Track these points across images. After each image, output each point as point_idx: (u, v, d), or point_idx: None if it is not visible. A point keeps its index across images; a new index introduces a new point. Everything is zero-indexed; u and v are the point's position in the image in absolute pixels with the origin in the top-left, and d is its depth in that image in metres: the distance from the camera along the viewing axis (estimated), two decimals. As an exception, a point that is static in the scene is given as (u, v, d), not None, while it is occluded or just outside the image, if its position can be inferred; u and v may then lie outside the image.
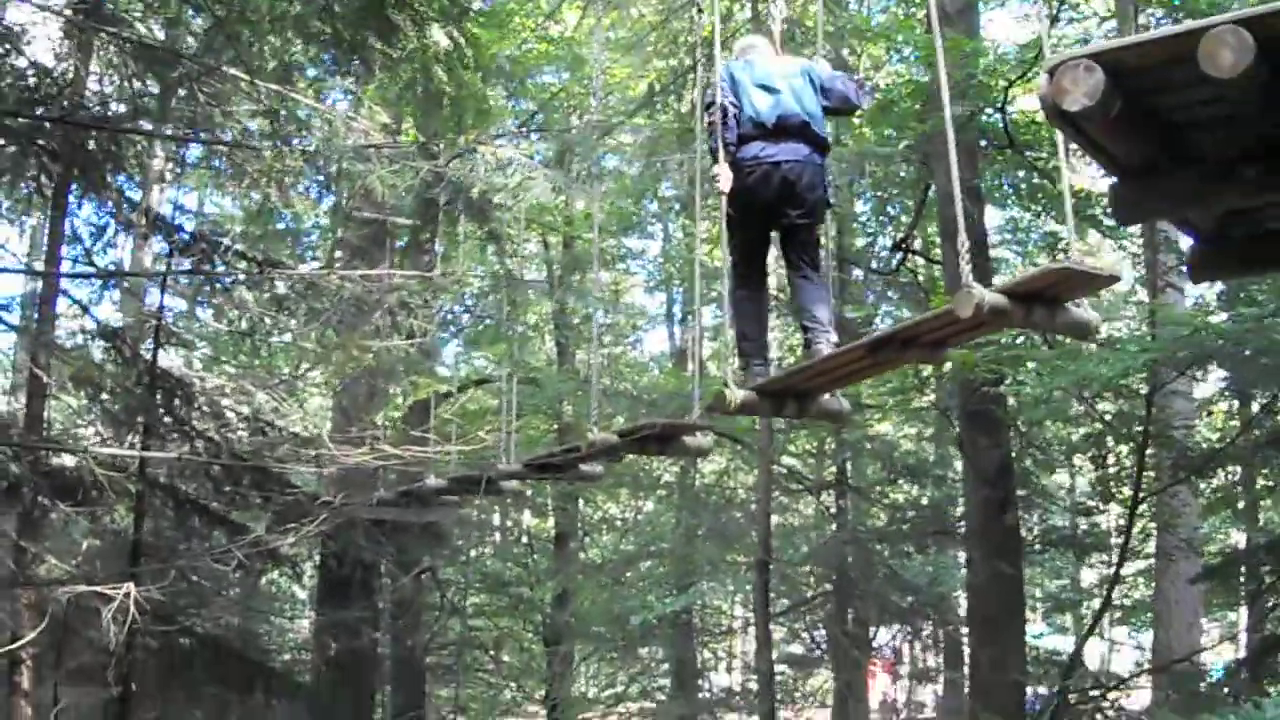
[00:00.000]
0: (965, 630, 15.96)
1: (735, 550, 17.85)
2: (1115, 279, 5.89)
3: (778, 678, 19.93)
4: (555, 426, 20.42)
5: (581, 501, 22.80)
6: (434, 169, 6.31)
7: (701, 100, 7.87)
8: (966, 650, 15.39)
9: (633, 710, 23.23)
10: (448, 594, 19.94)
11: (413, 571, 15.62)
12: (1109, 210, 5.05)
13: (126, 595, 6.32)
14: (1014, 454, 13.81)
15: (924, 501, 17.89)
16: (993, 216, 16.83)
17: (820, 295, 7.51)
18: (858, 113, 8.94)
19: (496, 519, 24.64)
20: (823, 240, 7.79)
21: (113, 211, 9.64)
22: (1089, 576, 21.53)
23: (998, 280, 9.02)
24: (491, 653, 21.62)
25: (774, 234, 7.75)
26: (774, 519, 18.79)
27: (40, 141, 8.00)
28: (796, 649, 20.97)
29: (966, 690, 14.19)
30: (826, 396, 7.50)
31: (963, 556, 16.79)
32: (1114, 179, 4.66)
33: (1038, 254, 16.26)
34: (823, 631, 18.45)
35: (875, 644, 18.05)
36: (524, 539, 23.83)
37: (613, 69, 18.67)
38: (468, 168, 6.26)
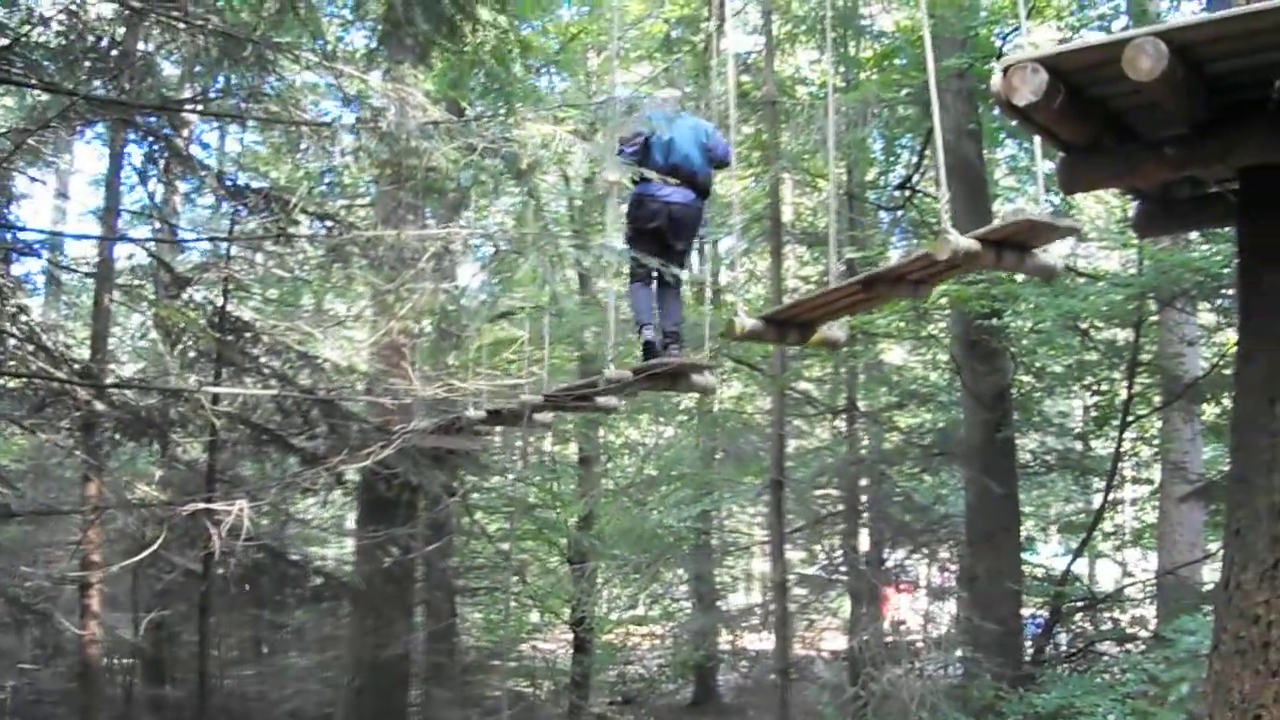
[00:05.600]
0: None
1: (750, 472, 18.55)
2: (1075, 230, 6.74)
3: (794, 598, 20.72)
4: (579, 354, 20.95)
5: (602, 428, 23.41)
6: (489, 146, 7.05)
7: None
8: (965, 565, 16.13)
9: (655, 630, 24.08)
10: (476, 518, 20.51)
11: (454, 495, 16.23)
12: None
13: (241, 510, 7.10)
14: (1011, 380, 14.62)
15: (933, 425, 18.60)
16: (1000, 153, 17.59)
17: (676, 310, 9.51)
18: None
19: (518, 444, 25.16)
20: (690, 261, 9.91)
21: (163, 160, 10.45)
22: (1099, 500, 22.03)
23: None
24: (516, 576, 22.22)
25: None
26: (790, 442, 19.51)
27: (103, 114, 8.75)
28: (812, 569, 21.59)
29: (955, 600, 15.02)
30: (825, 325, 8.46)
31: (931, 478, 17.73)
32: (1061, 154, 5.49)
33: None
34: (839, 553, 19.11)
35: (889, 564, 18.70)
36: (545, 463, 24.27)
37: (629, 6, 19.19)
38: (517, 144, 7.03)
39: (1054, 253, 6.80)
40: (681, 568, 22.03)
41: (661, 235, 9.21)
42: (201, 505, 7.87)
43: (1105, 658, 14.28)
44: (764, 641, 24.30)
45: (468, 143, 7.03)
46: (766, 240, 17.16)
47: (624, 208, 9.48)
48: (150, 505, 9.46)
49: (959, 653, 14.21)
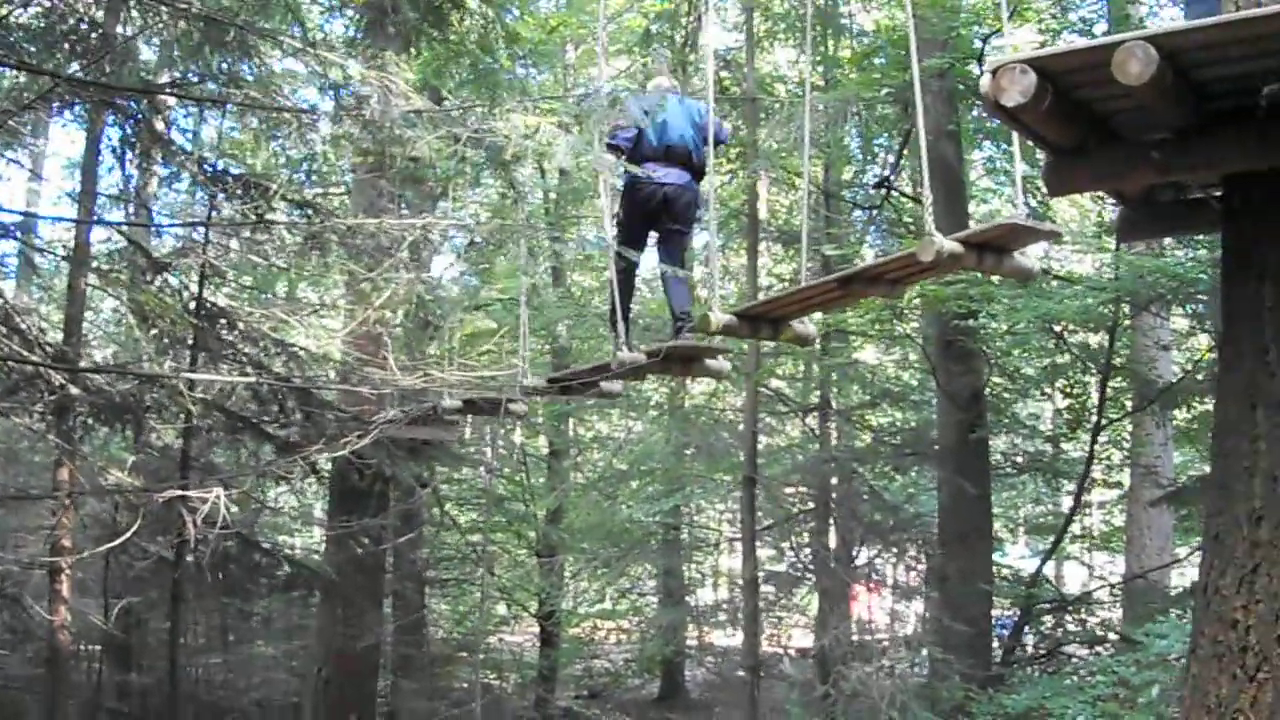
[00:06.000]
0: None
1: (722, 469, 18.56)
2: (1055, 234, 6.78)
3: (762, 595, 20.71)
4: (550, 347, 20.93)
5: (573, 421, 23.36)
6: (473, 135, 7.00)
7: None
8: (934, 565, 16.17)
9: (623, 625, 24.09)
10: (446, 510, 20.47)
11: (426, 487, 16.17)
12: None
13: (218, 497, 7.06)
14: (985, 382, 14.68)
15: (905, 425, 18.66)
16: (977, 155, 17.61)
17: (683, 291, 9.44)
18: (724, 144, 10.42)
19: (488, 436, 24.98)
20: (690, 245, 9.94)
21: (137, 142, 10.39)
22: (1069, 503, 22.05)
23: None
24: (483, 569, 22.12)
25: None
26: (761, 440, 19.54)
27: (84, 96, 8.70)
28: (780, 567, 21.69)
29: (922, 599, 15.10)
30: (797, 321, 8.46)
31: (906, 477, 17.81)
32: (1047, 157, 5.50)
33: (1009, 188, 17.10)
34: (807, 550, 19.18)
35: (858, 563, 18.74)
36: (515, 456, 24.14)
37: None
38: (502, 134, 6.98)
39: (1031, 255, 6.84)
40: (649, 563, 22.04)
41: (657, 217, 9.25)
42: (177, 492, 7.82)
43: (1075, 659, 14.35)
44: (731, 638, 24.39)
45: (451, 132, 7.00)
46: (743, 237, 17.20)
47: (614, 193, 9.52)
48: (125, 491, 9.40)
49: (924, 651, 14.27)
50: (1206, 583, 5.20)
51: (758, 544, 16.92)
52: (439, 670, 19.76)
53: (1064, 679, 12.60)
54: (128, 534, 8.34)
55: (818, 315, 9.30)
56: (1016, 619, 14.91)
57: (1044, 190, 15.81)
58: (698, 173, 9.34)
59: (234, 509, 11.77)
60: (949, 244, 6.24)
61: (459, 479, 21.15)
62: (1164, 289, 11.94)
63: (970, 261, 6.49)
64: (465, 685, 20.15)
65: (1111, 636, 14.27)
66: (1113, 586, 15.68)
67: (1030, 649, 15.07)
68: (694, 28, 17.80)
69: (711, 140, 9.01)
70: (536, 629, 22.35)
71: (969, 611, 13.07)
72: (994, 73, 4.83)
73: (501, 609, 23.69)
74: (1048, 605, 15.22)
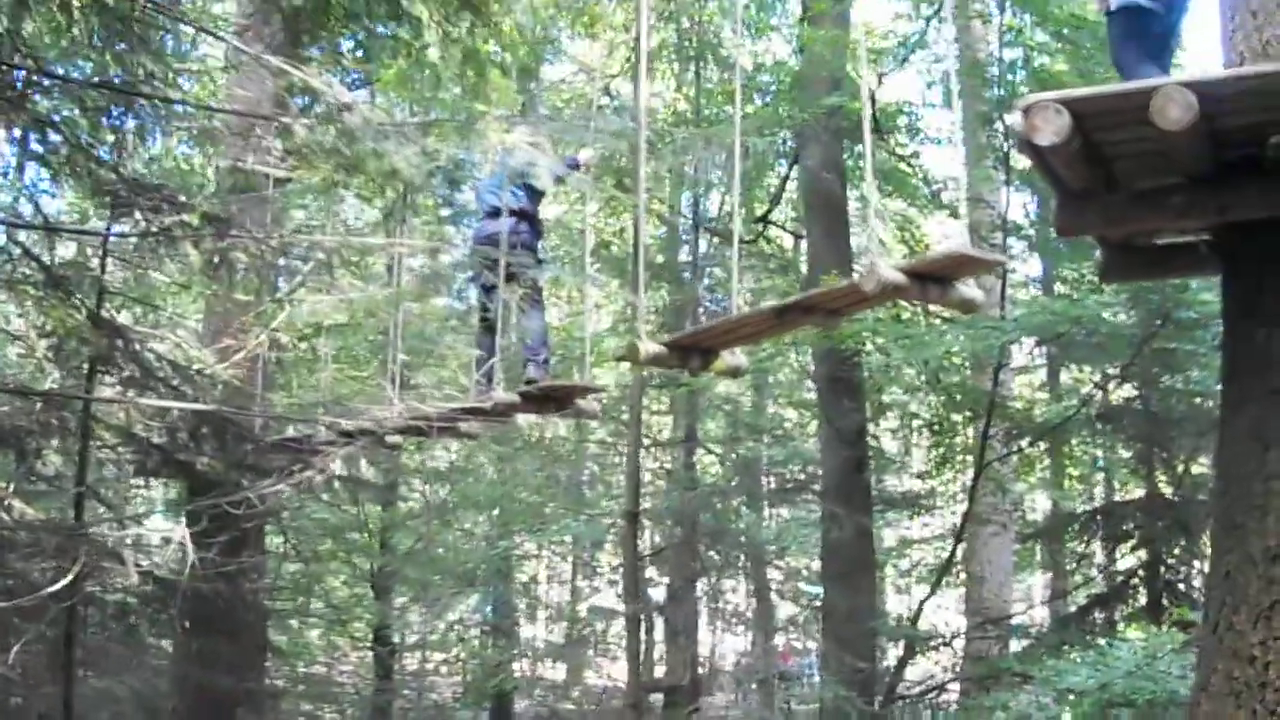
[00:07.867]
0: (804, 581, 16.99)
1: (583, 503, 18.49)
2: (1001, 263, 6.82)
3: (586, 629, 20.80)
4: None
5: (410, 449, 23.05)
6: (454, 151, 6.79)
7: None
8: (821, 600, 16.17)
9: (453, 656, 23.85)
10: (290, 538, 20.05)
11: (279, 514, 15.79)
12: (1053, 226, 5.88)
13: (183, 537, 6.70)
14: (870, 419, 14.81)
15: (780, 459, 18.70)
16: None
17: (534, 325, 9.93)
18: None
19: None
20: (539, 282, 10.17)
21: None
22: (890, 537, 22.23)
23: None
24: (306, 597, 21.67)
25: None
26: (620, 474, 19.51)
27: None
28: (607, 600, 21.76)
29: (818, 636, 15.17)
30: (727, 353, 8.39)
31: (787, 512, 17.90)
32: (1059, 199, 5.52)
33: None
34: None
35: (698, 595, 18.80)
36: (349, 483, 23.63)
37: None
38: (479, 150, 6.79)
39: (973, 284, 6.82)
40: (481, 595, 21.95)
41: (489, 268, 9.66)
42: (132, 530, 7.39)
43: (968, 697, 14.44)
44: (553, 671, 24.38)
45: (432, 147, 6.78)
46: (609, 270, 17.21)
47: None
48: (60, 529, 8.80)
49: (751, 682, 14.32)
50: (1218, 620, 5.28)
51: (587, 580, 16.95)
52: (278, 701, 19.25)
53: (960, 715, 12.70)
54: (68, 577, 7.71)
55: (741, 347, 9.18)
56: (900, 656, 14.97)
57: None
58: (527, 216, 9.85)
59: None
60: (892, 274, 6.18)
61: (295, 505, 20.70)
62: (1071, 331, 12.08)
63: (913, 292, 6.43)
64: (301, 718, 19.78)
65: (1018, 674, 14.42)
66: (993, 623, 15.80)
67: (912, 687, 15.17)
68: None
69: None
70: (370, 659, 22.00)
71: (855, 648, 13.11)
72: (1026, 110, 4.82)
73: (337, 639, 23.25)
74: (930, 642, 15.32)
